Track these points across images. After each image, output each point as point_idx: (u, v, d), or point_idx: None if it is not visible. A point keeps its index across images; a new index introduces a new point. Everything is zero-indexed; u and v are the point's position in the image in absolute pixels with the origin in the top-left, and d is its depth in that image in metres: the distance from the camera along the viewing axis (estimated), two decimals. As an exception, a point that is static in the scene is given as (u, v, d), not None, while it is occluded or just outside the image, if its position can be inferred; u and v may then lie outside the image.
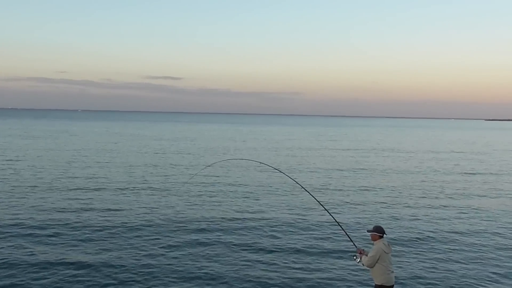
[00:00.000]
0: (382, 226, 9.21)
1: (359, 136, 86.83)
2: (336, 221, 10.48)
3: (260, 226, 16.71)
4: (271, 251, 13.84)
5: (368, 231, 8.96)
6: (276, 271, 12.13)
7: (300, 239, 15.13)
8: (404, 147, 58.13)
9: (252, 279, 11.53)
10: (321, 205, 11.30)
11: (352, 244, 9.65)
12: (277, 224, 17.04)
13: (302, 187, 12.27)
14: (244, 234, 15.42)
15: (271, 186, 24.59)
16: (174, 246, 13.91)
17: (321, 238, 15.23)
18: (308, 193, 11.87)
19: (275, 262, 12.93)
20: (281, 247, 14.29)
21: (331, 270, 12.27)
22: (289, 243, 14.66)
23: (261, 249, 13.90)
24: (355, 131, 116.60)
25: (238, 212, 18.56)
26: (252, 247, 14.12)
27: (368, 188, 25.00)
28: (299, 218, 17.82)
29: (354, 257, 8.99)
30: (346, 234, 9.80)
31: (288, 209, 19.48)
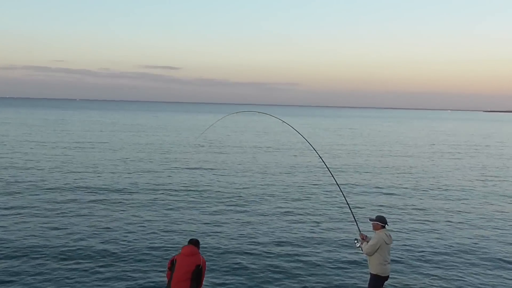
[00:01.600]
0: (386, 216, 9.20)
1: (355, 128, 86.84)
2: (344, 197, 10.49)
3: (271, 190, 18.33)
4: (271, 221, 14.83)
5: (371, 219, 8.96)
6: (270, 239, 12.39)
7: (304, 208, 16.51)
8: (406, 140, 58.24)
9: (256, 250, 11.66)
10: (334, 178, 11.01)
11: (357, 227, 9.59)
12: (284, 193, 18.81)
13: (320, 157, 11.44)
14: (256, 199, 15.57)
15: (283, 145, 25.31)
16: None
17: (325, 216, 15.88)
18: (325, 166, 11.31)
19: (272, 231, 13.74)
20: (278, 214, 15.57)
21: (330, 252, 12.38)
22: (289, 209, 16.01)
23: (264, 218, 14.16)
24: (353, 122, 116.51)
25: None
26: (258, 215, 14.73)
27: (378, 178, 25.19)
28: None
29: (356, 241, 9.03)
30: (353, 216, 9.82)
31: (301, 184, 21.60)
